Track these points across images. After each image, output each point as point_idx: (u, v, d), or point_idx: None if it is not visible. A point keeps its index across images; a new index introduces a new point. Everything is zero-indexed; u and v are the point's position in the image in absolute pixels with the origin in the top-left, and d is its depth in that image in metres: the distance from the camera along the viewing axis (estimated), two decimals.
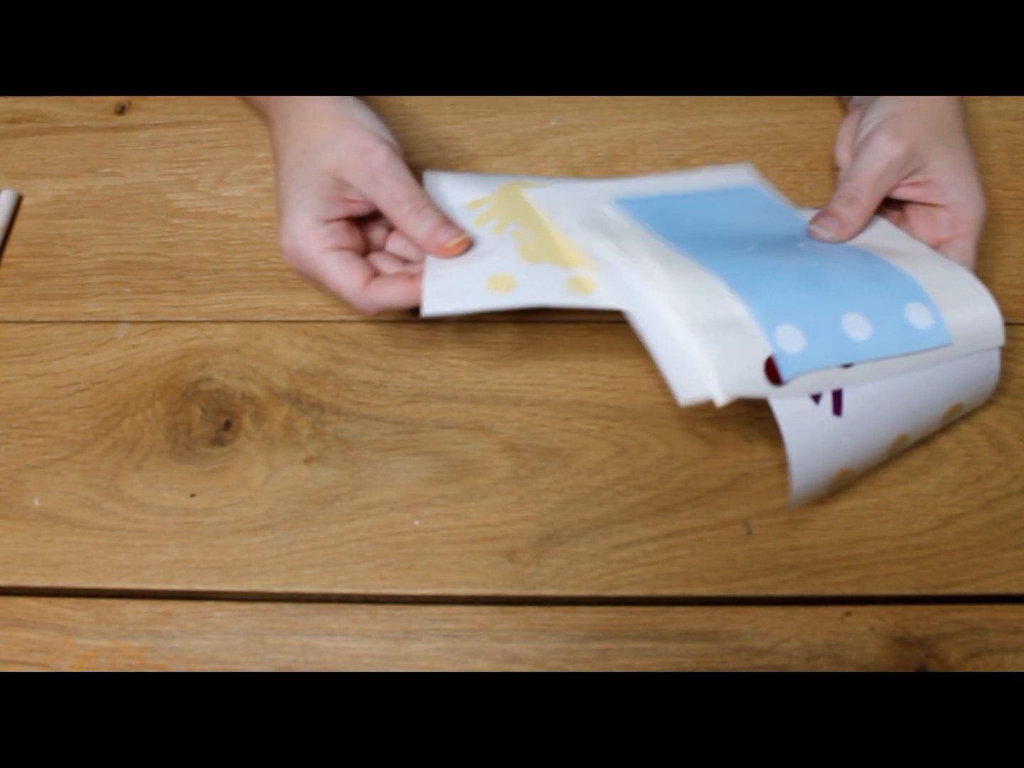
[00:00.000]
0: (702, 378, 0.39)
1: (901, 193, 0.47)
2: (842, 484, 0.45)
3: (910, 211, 0.48)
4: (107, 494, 0.47)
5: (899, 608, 0.43)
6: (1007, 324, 0.50)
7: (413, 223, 0.45)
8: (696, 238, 0.46)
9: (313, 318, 0.51)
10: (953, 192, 0.46)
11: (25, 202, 0.56)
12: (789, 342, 0.40)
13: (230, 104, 0.59)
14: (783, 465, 0.46)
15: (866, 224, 0.47)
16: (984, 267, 0.52)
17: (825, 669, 0.42)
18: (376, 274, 0.46)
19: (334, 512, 0.46)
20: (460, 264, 0.45)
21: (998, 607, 0.43)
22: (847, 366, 0.41)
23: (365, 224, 0.48)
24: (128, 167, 0.57)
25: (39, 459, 0.48)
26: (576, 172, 0.56)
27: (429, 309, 0.42)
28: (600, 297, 0.42)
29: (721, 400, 0.39)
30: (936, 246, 0.47)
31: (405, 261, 0.48)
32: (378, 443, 0.48)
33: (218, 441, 0.48)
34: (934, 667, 0.42)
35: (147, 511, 0.46)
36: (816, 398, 0.41)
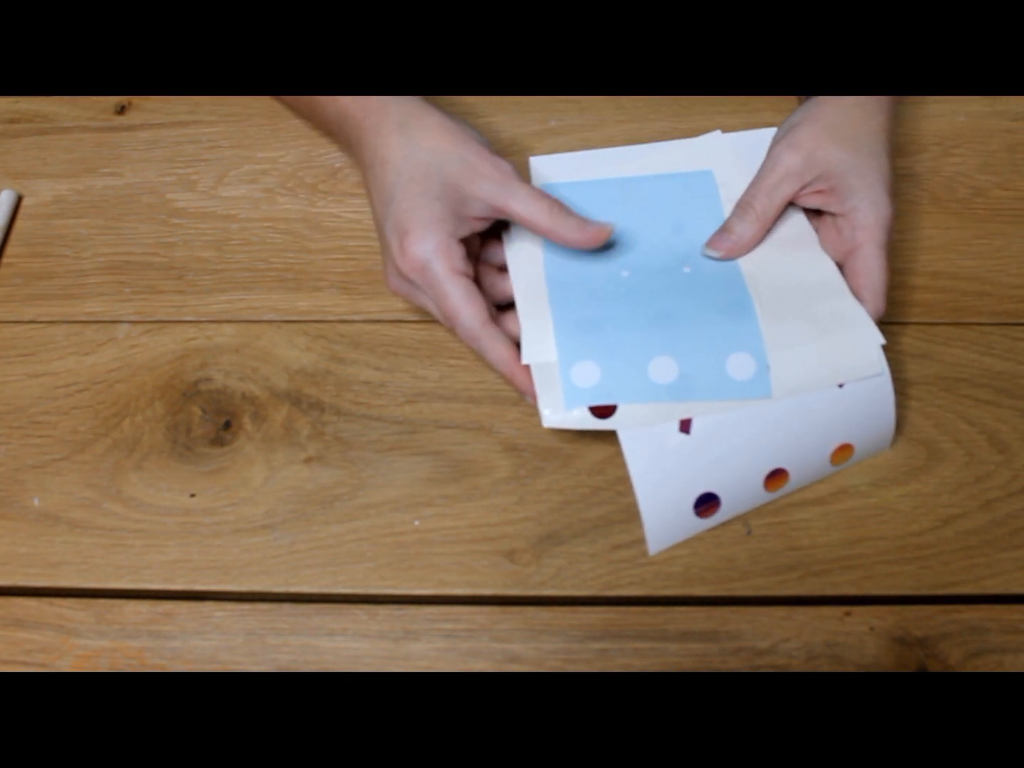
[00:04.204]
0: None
1: (805, 201, 0.48)
2: (717, 518, 0.44)
3: (819, 224, 0.48)
4: (107, 494, 0.47)
5: (899, 608, 0.43)
6: (1009, 324, 0.50)
7: (563, 219, 0.45)
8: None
9: (313, 318, 0.51)
10: (852, 198, 0.46)
11: (25, 202, 0.56)
12: (582, 377, 0.43)
13: (230, 104, 0.59)
14: None
15: (763, 230, 0.47)
16: (984, 267, 0.52)
17: (825, 669, 0.42)
18: (493, 318, 0.45)
19: (334, 512, 0.46)
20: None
21: (998, 607, 0.43)
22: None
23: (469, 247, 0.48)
24: (128, 167, 0.57)
25: (39, 459, 0.48)
26: None
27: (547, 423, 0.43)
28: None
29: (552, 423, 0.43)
30: (844, 259, 0.46)
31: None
32: (378, 443, 0.48)
33: (218, 441, 0.48)
34: (934, 667, 0.42)
35: (147, 511, 0.46)
36: None
